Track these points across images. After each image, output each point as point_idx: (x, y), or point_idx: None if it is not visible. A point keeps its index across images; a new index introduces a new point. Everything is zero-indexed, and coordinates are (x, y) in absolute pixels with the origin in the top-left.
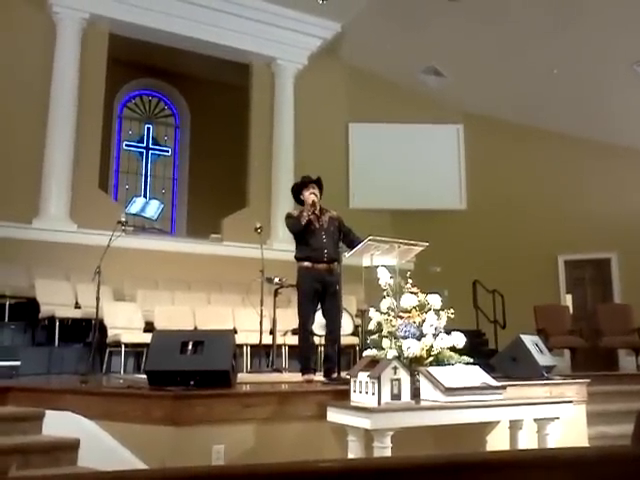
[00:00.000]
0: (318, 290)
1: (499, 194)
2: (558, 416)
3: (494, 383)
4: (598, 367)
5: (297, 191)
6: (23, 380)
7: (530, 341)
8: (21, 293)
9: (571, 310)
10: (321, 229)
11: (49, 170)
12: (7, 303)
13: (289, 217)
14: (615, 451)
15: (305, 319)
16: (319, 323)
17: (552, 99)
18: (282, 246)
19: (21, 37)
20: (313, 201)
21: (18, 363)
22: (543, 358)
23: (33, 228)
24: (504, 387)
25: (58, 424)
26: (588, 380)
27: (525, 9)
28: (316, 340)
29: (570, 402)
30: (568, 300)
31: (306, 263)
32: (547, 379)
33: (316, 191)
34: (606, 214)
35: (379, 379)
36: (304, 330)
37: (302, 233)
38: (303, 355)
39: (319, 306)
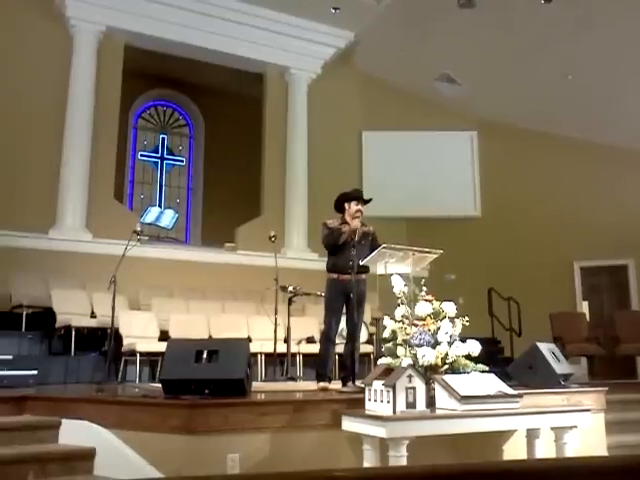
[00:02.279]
0: (343, 301)
1: (514, 201)
2: (576, 425)
3: (510, 391)
4: (616, 375)
5: (343, 200)
6: (40, 389)
7: (546, 349)
8: (38, 303)
9: (588, 317)
10: (352, 242)
11: (65, 181)
12: (24, 313)
13: (327, 228)
14: (635, 460)
15: (328, 328)
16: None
17: (566, 105)
18: (296, 254)
19: (38, 50)
20: (358, 227)
21: (35, 372)
22: (560, 366)
23: (49, 238)
24: (520, 395)
25: (74, 433)
26: (606, 388)
27: (538, 16)
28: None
29: (588, 411)
30: (584, 307)
31: (333, 275)
32: (564, 387)
33: (363, 209)
34: (622, 220)
35: (394, 387)
36: (326, 339)
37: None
38: (321, 363)
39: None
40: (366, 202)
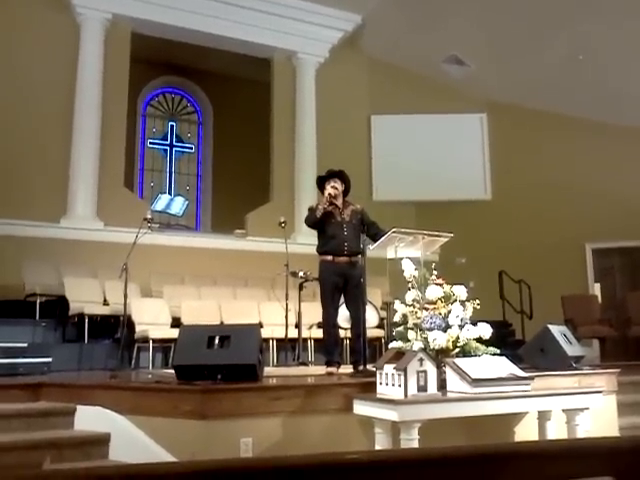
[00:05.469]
0: (339, 284)
1: (524, 183)
2: (587, 406)
3: (521, 374)
4: (628, 357)
5: (320, 185)
6: (54, 376)
7: (558, 331)
8: (51, 291)
9: (600, 299)
10: (342, 222)
11: (75, 170)
12: (38, 301)
13: (308, 210)
14: None
15: (327, 312)
16: (344, 316)
17: (577, 85)
18: (306, 240)
19: (45, 38)
20: (329, 194)
21: (49, 359)
22: (571, 348)
23: (61, 227)
24: (532, 378)
25: (89, 419)
26: (618, 370)
27: None
28: (342, 333)
29: (599, 392)
30: (596, 289)
31: (327, 257)
32: (576, 369)
33: (337, 184)
34: (634, 201)
35: (405, 371)
36: (327, 323)
37: (322, 226)
38: (327, 348)
39: (343, 299)
40: (339, 177)
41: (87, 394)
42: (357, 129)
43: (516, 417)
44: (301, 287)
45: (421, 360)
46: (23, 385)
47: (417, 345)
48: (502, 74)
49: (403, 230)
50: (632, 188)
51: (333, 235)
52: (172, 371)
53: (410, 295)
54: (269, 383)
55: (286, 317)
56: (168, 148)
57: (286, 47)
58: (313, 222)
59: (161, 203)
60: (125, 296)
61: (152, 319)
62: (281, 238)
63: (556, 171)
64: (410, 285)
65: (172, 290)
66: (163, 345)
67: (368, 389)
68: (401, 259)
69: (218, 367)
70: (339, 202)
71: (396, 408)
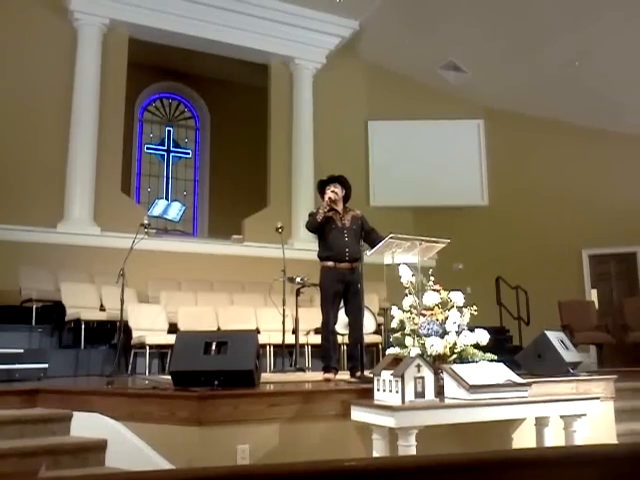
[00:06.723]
0: (340, 290)
1: (521, 189)
2: (585, 413)
3: (519, 380)
4: (626, 363)
5: (321, 190)
6: (51, 382)
7: (555, 337)
8: (47, 297)
9: (596, 305)
10: (343, 228)
11: (72, 175)
12: (34, 307)
13: (309, 215)
14: None
15: (327, 318)
16: (342, 322)
17: (574, 92)
18: (303, 245)
19: (43, 44)
20: (329, 198)
21: (46, 365)
22: (568, 354)
23: (58, 232)
24: (529, 384)
25: (86, 425)
26: (615, 376)
27: (544, 2)
28: (339, 339)
29: (597, 398)
30: (593, 295)
31: (328, 263)
32: (573, 375)
33: (337, 189)
34: (631, 208)
35: (403, 377)
36: (326, 329)
37: (323, 232)
38: (324, 354)
39: (342, 305)
40: (339, 182)
41: (84, 400)
42: (354, 135)
43: (513, 423)
44: (298, 293)
45: (418, 366)
46: (19, 391)
47: (414, 351)
48: (499, 80)
49: (400, 236)
50: (629, 195)
51: (334, 241)
52: (169, 377)
53: (407, 301)
54: (266, 389)
55: (283, 323)
56: (165, 153)
57: (283, 53)
58: (314, 227)
59: (158, 208)
60: (122, 302)
61: (149, 325)
62: (278, 243)
63: (553, 177)
64: (407, 291)
65: (169, 296)
66: (160, 351)
67: (365, 395)
68: (398, 265)
69: (215, 373)
70: (339, 207)
71: (393, 414)
